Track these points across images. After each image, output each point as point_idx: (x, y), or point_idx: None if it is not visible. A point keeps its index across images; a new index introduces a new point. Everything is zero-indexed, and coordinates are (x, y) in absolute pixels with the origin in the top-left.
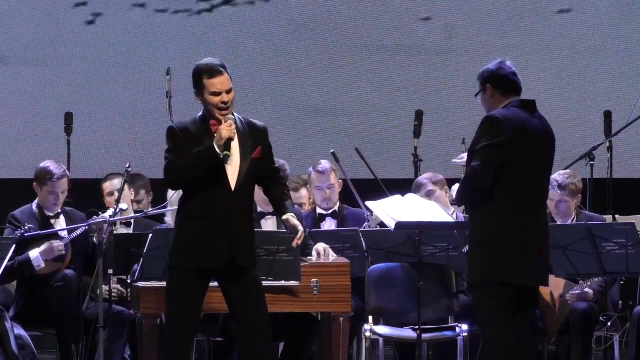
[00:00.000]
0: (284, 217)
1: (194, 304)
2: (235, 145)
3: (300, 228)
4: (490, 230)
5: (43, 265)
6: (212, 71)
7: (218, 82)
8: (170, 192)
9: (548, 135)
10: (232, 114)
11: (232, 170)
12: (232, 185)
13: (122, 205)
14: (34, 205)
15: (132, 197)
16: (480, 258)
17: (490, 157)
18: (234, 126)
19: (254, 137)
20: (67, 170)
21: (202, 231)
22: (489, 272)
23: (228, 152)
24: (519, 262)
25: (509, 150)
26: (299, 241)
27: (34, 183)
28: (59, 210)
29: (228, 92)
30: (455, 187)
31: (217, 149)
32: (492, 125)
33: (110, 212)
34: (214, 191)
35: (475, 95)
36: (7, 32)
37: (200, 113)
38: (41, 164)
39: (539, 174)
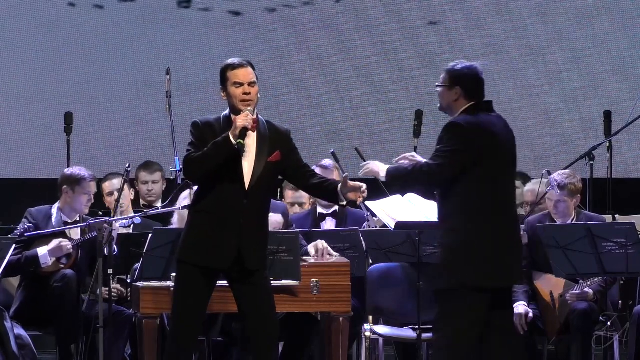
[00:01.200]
0: (342, 182)
1: (199, 302)
2: (253, 143)
3: (363, 184)
4: (463, 238)
5: (50, 263)
6: (236, 65)
7: (241, 74)
8: (182, 196)
9: (510, 135)
10: (257, 115)
11: (248, 170)
12: (246, 184)
13: (136, 219)
14: (53, 208)
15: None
16: (454, 265)
17: (451, 163)
18: (251, 117)
19: (273, 141)
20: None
21: (212, 228)
22: (464, 278)
23: (242, 142)
24: (493, 266)
25: (477, 157)
26: (365, 194)
27: (64, 186)
28: (84, 213)
29: (251, 85)
30: (381, 165)
31: (232, 139)
32: (456, 132)
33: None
34: (227, 189)
35: (437, 85)
36: (8, 32)
37: (225, 112)
38: (69, 169)
39: (506, 175)
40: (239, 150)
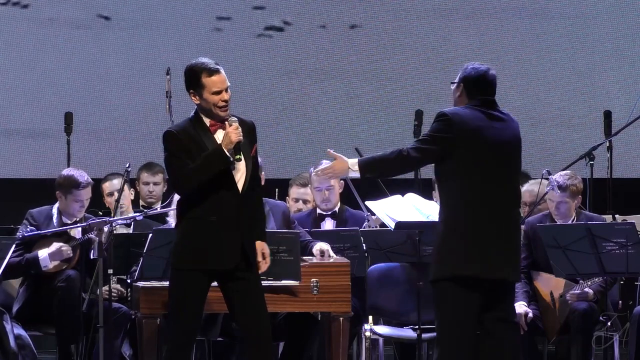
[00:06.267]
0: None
1: (199, 306)
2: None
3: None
4: (443, 228)
5: (51, 266)
6: (211, 70)
7: (219, 81)
8: (176, 195)
9: (507, 134)
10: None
11: (240, 173)
12: (240, 187)
13: (138, 217)
14: (54, 208)
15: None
16: (437, 256)
17: (428, 147)
18: (240, 129)
19: (247, 135)
20: (90, 179)
21: (212, 231)
22: (445, 268)
23: (240, 156)
24: (468, 256)
25: (454, 147)
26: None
27: (57, 191)
28: (78, 218)
29: (227, 90)
30: (345, 162)
31: (227, 153)
32: (440, 121)
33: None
34: (222, 194)
35: (452, 83)
36: (7, 31)
37: (192, 114)
38: (64, 172)
39: (494, 172)
40: (235, 163)
